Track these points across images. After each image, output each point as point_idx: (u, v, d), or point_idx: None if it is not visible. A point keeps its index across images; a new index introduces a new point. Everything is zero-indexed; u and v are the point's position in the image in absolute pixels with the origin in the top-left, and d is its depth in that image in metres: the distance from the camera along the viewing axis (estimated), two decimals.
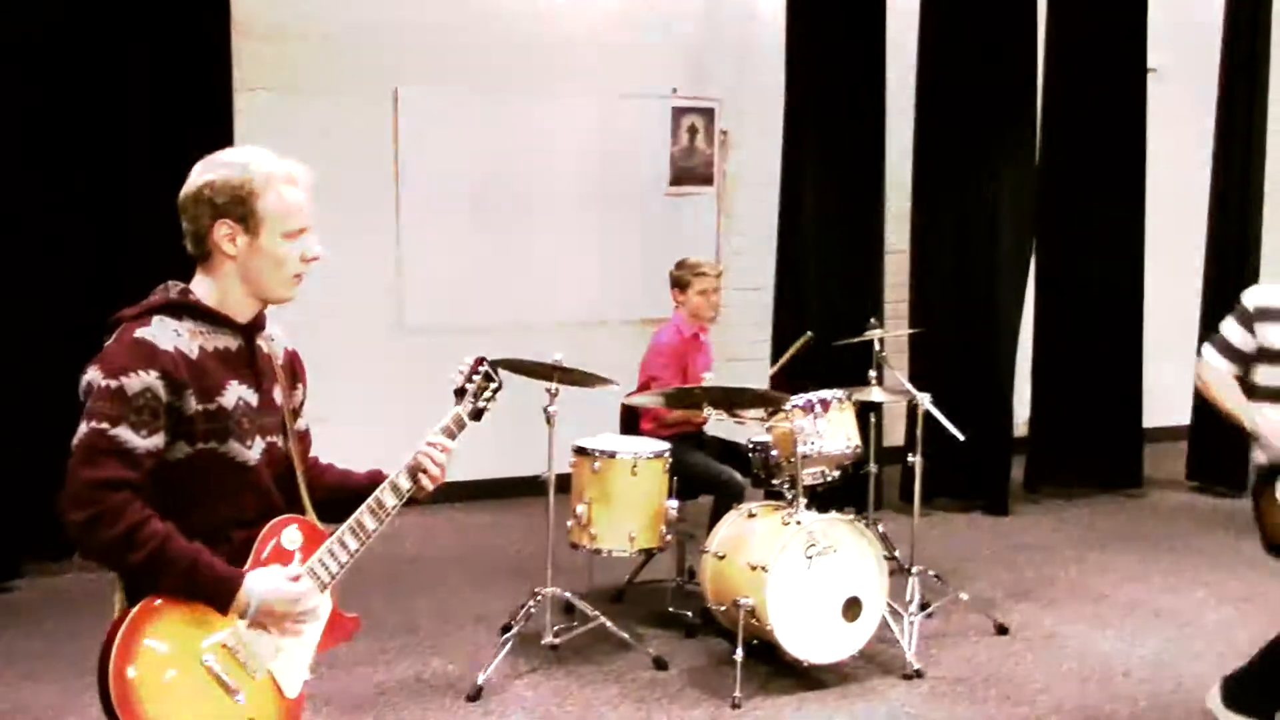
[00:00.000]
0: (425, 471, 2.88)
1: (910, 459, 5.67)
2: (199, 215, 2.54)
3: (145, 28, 6.13)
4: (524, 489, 6.79)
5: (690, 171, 8.16)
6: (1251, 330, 4.17)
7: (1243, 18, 8.12)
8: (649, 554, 5.46)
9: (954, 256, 7.63)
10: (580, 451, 5.26)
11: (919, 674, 4.96)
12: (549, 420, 5.05)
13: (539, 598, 5.10)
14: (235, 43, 6.57)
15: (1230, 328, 4.26)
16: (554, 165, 7.74)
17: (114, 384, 2.37)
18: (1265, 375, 4.18)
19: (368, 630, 5.41)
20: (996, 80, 7.55)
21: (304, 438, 2.87)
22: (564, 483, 5.23)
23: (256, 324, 2.67)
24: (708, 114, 8.14)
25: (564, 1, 7.69)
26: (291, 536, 2.60)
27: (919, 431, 5.65)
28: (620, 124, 7.91)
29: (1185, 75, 9.19)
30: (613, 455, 5.19)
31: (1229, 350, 4.25)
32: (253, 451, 2.56)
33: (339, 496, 2.78)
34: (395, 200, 7.41)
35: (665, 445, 5.35)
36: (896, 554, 5.84)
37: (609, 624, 5.10)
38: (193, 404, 2.43)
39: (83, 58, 6.06)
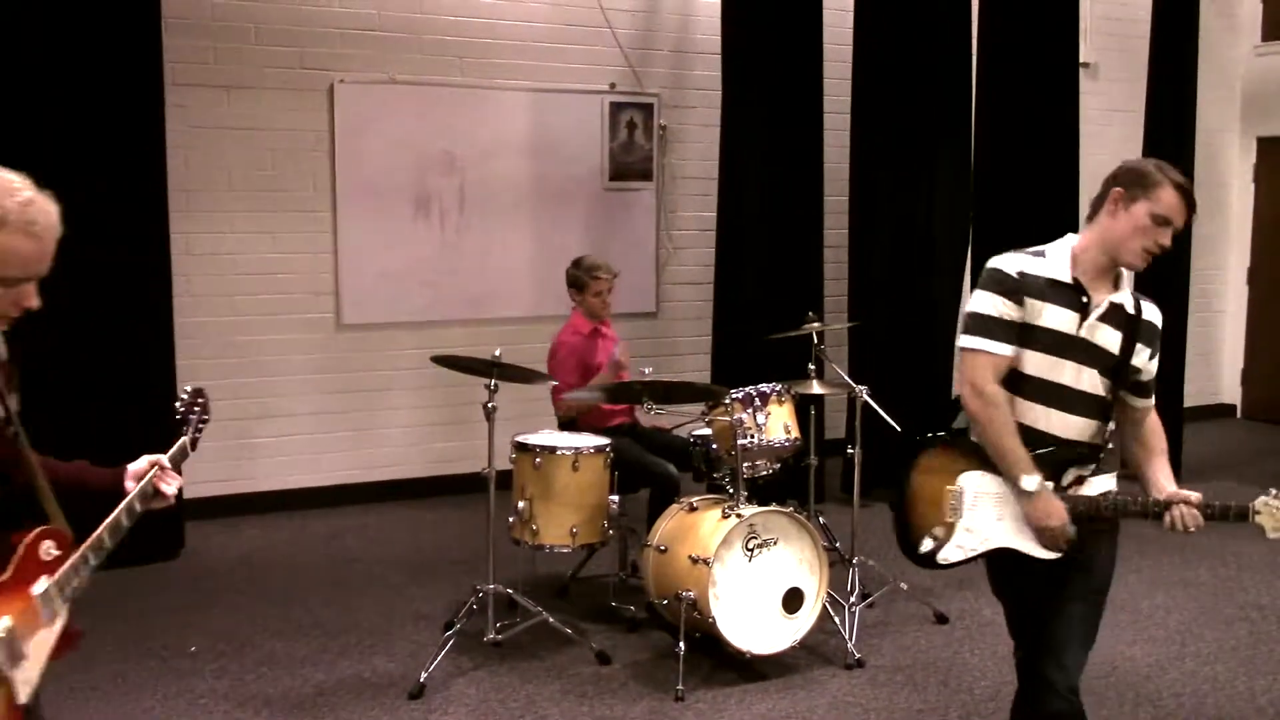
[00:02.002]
0: (161, 496, 2.82)
1: (850, 451, 5.72)
2: None
3: (73, 23, 6.02)
4: (465, 485, 6.77)
5: (629, 167, 8.16)
6: (1020, 302, 3.26)
7: (1170, 12, 8.24)
8: (591, 549, 5.46)
9: (891, 250, 7.69)
10: (521, 447, 5.25)
11: (860, 663, 5.00)
12: (488, 416, 5.02)
13: (481, 594, 5.09)
14: (165, 38, 6.47)
15: (991, 300, 3.28)
16: (492, 161, 7.71)
17: None
18: (1029, 361, 3.29)
19: (309, 630, 5.41)
20: (931, 76, 7.61)
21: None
22: (505, 479, 5.22)
23: None
24: (646, 109, 8.15)
25: None
26: (48, 548, 2.52)
27: (858, 424, 5.69)
28: (559, 119, 7.89)
29: (1116, 70, 9.34)
30: (553, 451, 5.18)
31: (1003, 328, 3.27)
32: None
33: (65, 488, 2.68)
34: (331, 197, 7.34)
35: (606, 440, 5.35)
36: (837, 545, 5.88)
37: (551, 620, 5.09)
38: None
39: (6, 52, 5.94)
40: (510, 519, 5.21)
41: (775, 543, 4.92)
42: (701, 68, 8.10)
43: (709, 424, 5.45)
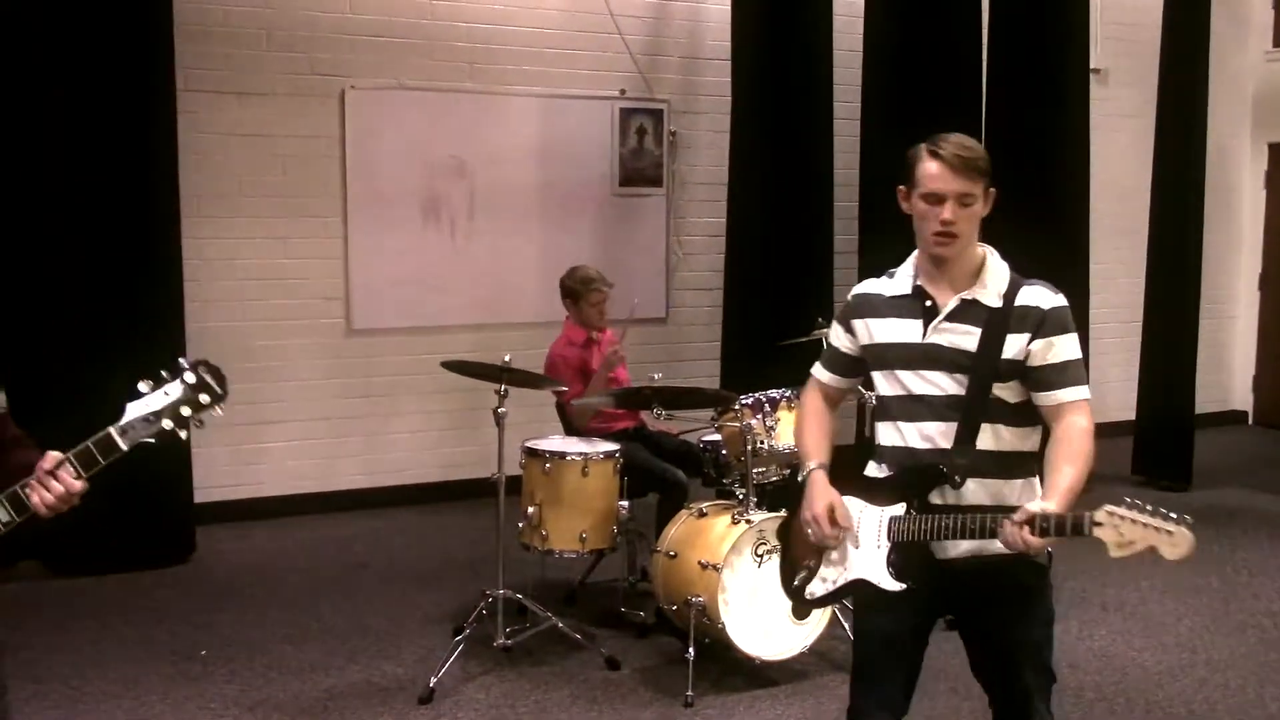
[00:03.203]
0: (31, 504, 2.46)
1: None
2: None
3: (85, 30, 6.05)
4: (474, 491, 6.78)
5: (639, 172, 8.17)
6: (849, 328, 3.24)
7: (1181, 18, 8.23)
8: (600, 554, 5.46)
9: (902, 255, 7.65)
10: (530, 453, 5.25)
11: None
12: (498, 422, 5.03)
13: (490, 599, 5.09)
14: (178, 44, 6.51)
15: (832, 328, 3.37)
16: (502, 166, 7.73)
17: None
18: (880, 382, 3.16)
19: (319, 634, 5.41)
20: (941, 82, 7.59)
21: None
22: (515, 484, 5.22)
23: None
24: (656, 115, 8.16)
25: (511, 3, 7.68)
26: None
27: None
28: (569, 125, 7.90)
29: (1127, 76, 9.33)
30: (563, 456, 5.19)
31: (833, 357, 3.32)
32: None
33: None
34: (342, 202, 7.36)
35: (615, 446, 5.36)
36: None
37: (561, 625, 5.10)
38: None
39: (21, 58, 5.97)
40: (520, 524, 5.22)
41: None
42: (711, 74, 8.11)
43: (719, 430, 5.45)
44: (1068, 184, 7.98)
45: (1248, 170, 10.37)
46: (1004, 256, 3.25)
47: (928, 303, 3.08)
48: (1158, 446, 8.20)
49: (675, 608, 5.02)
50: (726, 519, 4.97)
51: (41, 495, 2.42)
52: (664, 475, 5.61)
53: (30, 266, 6.08)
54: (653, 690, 4.83)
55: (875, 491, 3.14)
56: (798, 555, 3.31)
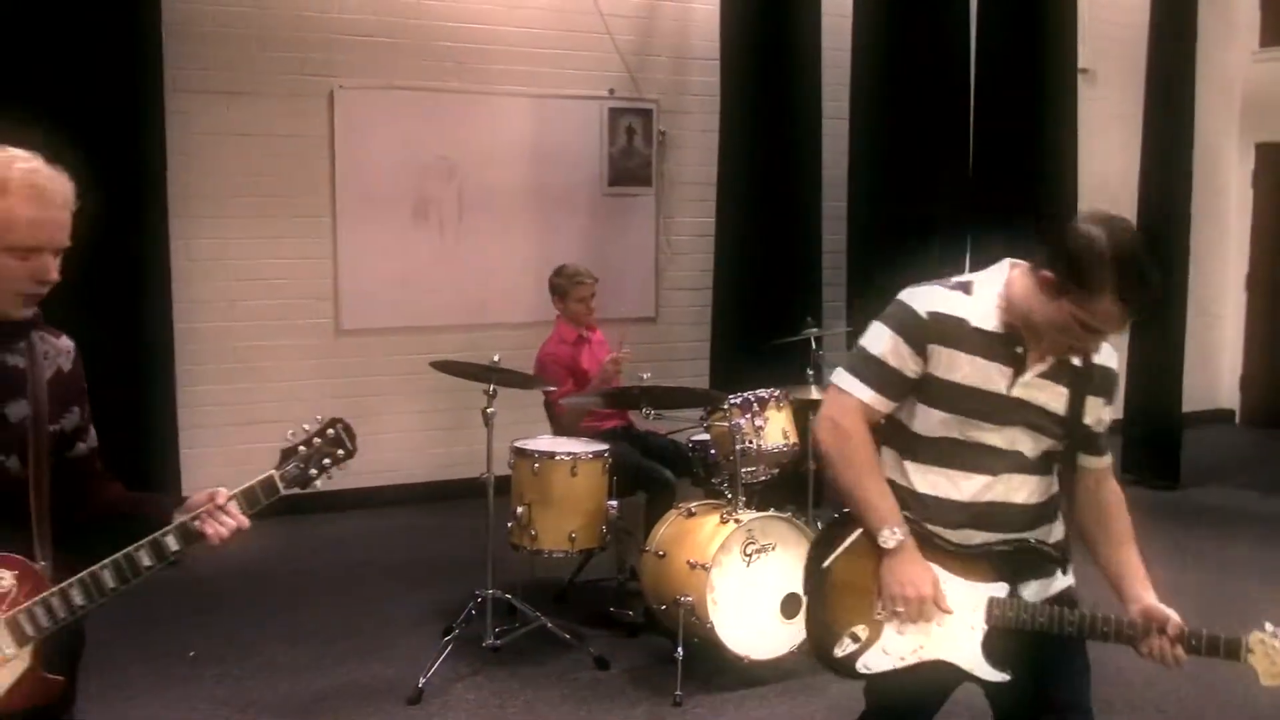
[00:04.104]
0: (204, 538, 2.50)
1: None
2: None
3: (74, 29, 6.04)
4: (464, 491, 6.77)
5: (628, 172, 8.17)
6: (922, 350, 2.72)
7: (1168, 18, 8.25)
8: (589, 554, 5.47)
9: (890, 254, 7.68)
10: (519, 453, 5.25)
11: None
12: (487, 422, 5.03)
13: (479, 600, 5.09)
14: (167, 44, 6.49)
15: (885, 340, 2.75)
16: (492, 166, 7.73)
17: None
18: (931, 421, 2.75)
19: (308, 635, 5.40)
20: (930, 81, 7.62)
21: (83, 462, 2.56)
22: (504, 484, 5.22)
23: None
24: (645, 115, 8.16)
25: (500, 2, 7.68)
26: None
27: None
28: (558, 125, 7.91)
29: (1115, 76, 9.36)
30: (552, 456, 5.19)
31: (889, 379, 2.75)
32: None
33: (117, 517, 2.56)
34: (331, 202, 7.35)
35: (604, 446, 5.36)
36: None
37: (550, 625, 5.10)
38: None
39: (6, 58, 5.95)
40: (509, 524, 5.22)
41: (773, 548, 4.93)
42: (700, 73, 8.12)
43: (707, 429, 5.46)
44: (1055, 183, 8.00)
45: (1235, 170, 10.41)
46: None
47: (1018, 349, 2.69)
48: (1146, 445, 8.22)
49: (664, 607, 5.03)
50: (715, 518, 4.98)
51: (216, 528, 2.51)
52: (652, 474, 5.61)
53: None
54: (642, 690, 4.83)
55: (963, 563, 2.76)
56: (839, 619, 2.81)
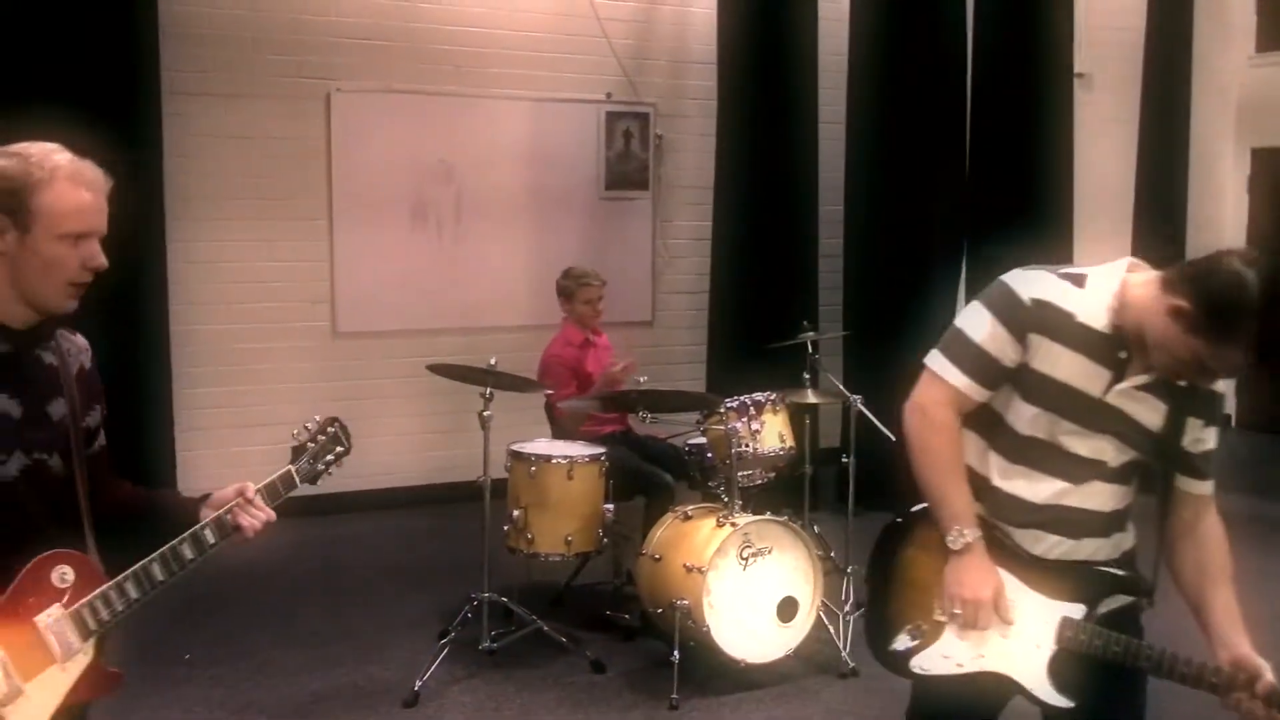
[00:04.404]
0: (239, 530, 2.56)
1: (844, 460, 5.74)
2: None
3: (71, 32, 6.04)
4: (460, 494, 6.77)
5: (625, 176, 8.18)
6: (1023, 339, 2.56)
7: (1164, 22, 8.27)
8: (586, 557, 5.47)
9: (886, 260, 7.71)
10: (516, 456, 5.26)
11: (854, 672, 5.00)
12: (484, 425, 5.03)
13: (476, 603, 5.09)
14: (164, 47, 6.50)
15: (984, 324, 2.60)
16: (488, 169, 7.73)
17: None
18: (1023, 417, 2.60)
19: (304, 638, 5.40)
20: (926, 86, 7.63)
21: (97, 459, 2.55)
22: (500, 488, 5.22)
23: (36, 333, 2.41)
24: (643, 119, 8.17)
25: (498, 6, 7.68)
26: (63, 574, 2.30)
27: (853, 433, 5.70)
28: (555, 128, 7.91)
29: (1111, 80, 9.37)
30: (548, 459, 5.19)
31: (984, 365, 2.60)
32: (8, 467, 2.29)
33: (132, 515, 2.59)
34: (328, 205, 7.36)
35: (601, 449, 5.36)
36: (832, 554, 5.88)
37: (546, 628, 5.10)
38: None
39: (6, 61, 5.96)
40: (505, 527, 5.22)
41: (770, 552, 4.93)
42: (697, 78, 8.12)
43: (704, 433, 5.46)
44: (1051, 188, 8.01)
45: (1231, 175, 10.42)
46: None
47: (1121, 354, 2.51)
48: None
49: (660, 611, 5.03)
50: (712, 522, 4.98)
51: (249, 520, 2.56)
52: (651, 479, 5.61)
53: None
54: (638, 693, 4.84)
55: (1042, 577, 2.61)
56: (900, 612, 2.72)
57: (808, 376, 5.81)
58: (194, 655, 5.18)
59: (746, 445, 5.24)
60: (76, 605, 2.31)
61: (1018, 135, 7.91)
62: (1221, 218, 10.39)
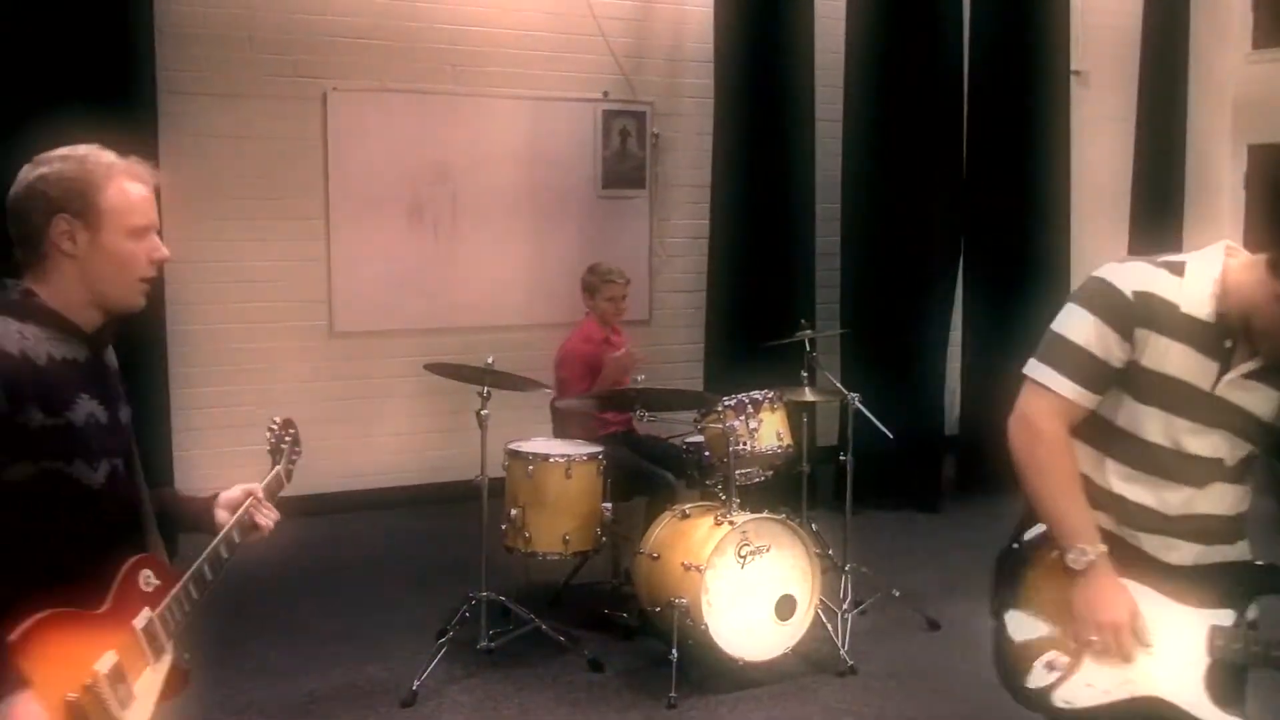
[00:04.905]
0: (258, 528, 2.62)
1: (842, 458, 5.74)
2: (32, 212, 2.28)
3: (67, 31, 6.02)
4: (458, 493, 6.76)
5: (622, 175, 8.17)
6: (1129, 335, 2.43)
7: (1161, 20, 8.27)
8: (584, 556, 5.46)
9: (883, 258, 7.70)
10: (514, 455, 5.25)
11: (853, 670, 5.00)
12: (481, 424, 5.03)
13: (474, 602, 5.09)
14: (159, 46, 6.49)
15: (1087, 325, 2.46)
16: (485, 168, 7.72)
17: None
18: (1138, 419, 2.48)
19: (302, 637, 5.40)
20: (923, 83, 7.62)
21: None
22: (498, 487, 5.22)
23: (102, 336, 2.40)
24: (639, 117, 8.16)
25: (494, 5, 7.68)
26: (147, 577, 2.33)
27: (850, 431, 5.70)
28: (552, 127, 7.90)
29: (1108, 78, 9.37)
30: (546, 458, 5.19)
31: (1090, 369, 2.47)
32: (98, 475, 2.29)
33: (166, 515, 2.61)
34: (325, 204, 7.35)
35: (599, 448, 5.36)
36: (830, 552, 5.88)
37: (544, 627, 5.10)
38: (37, 417, 2.17)
39: (1, 61, 5.94)
40: (503, 526, 5.21)
41: (768, 550, 4.93)
42: (694, 76, 8.11)
43: (702, 431, 5.46)
44: (1049, 185, 8.01)
45: (1228, 172, 10.41)
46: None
47: (1226, 343, 2.39)
48: None
49: (659, 609, 5.02)
50: (709, 520, 4.98)
51: (265, 520, 2.63)
52: (653, 478, 5.61)
53: (5, 271, 6.05)
54: (636, 692, 4.83)
55: (1178, 584, 2.46)
56: (1032, 645, 2.59)
57: (805, 374, 5.80)
58: (191, 655, 5.16)
59: (744, 443, 5.23)
60: (160, 607, 2.35)
61: (1015, 132, 7.91)
62: (1219, 215, 10.39)
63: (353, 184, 7.39)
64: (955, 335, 8.02)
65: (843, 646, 5.09)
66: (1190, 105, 8.41)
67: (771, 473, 5.53)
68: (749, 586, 4.87)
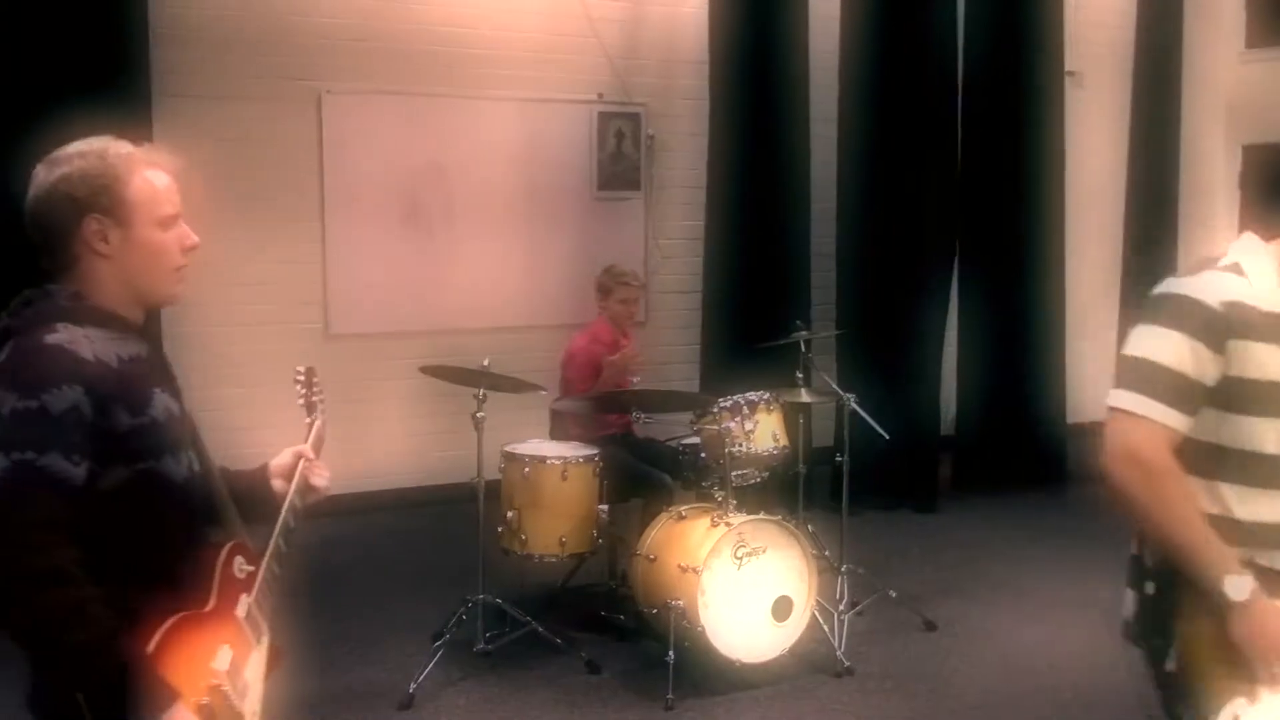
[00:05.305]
0: (315, 490, 2.66)
1: (838, 459, 5.73)
2: (58, 215, 2.19)
3: (62, 34, 6.02)
4: (454, 496, 6.76)
5: (618, 176, 8.17)
6: (1222, 349, 2.31)
7: (1154, 20, 8.28)
8: (580, 558, 5.46)
9: (879, 258, 7.71)
10: (510, 457, 5.25)
11: (849, 671, 5.00)
12: (477, 426, 5.03)
13: (470, 604, 5.09)
14: (154, 48, 6.48)
15: (1176, 345, 2.33)
16: (480, 170, 7.72)
17: (33, 404, 2.01)
18: (1244, 433, 2.35)
19: (298, 640, 5.37)
20: (918, 84, 7.63)
21: None
22: (495, 489, 5.22)
23: (149, 329, 2.40)
24: (634, 119, 8.16)
25: (489, 7, 7.68)
26: (240, 565, 2.31)
27: (846, 432, 5.70)
28: (547, 129, 7.90)
29: (1102, 78, 9.38)
30: (543, 460, 5.19)
31: (1182, 389, 2.32)
32: (182, 467, 2.27)
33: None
34: (320, 207, 7.34)
35: (595, 450, 5.36)
36: (826, 553, 5.89)
37: (541, 629, 5.09)
38: (124, 419, 2.12)
39: None
40: (499, 529, 5.21)
41: (764, 551, 4.93)
42: (689, 77, 8.12)
43: (698, 432, 5.46)
44: (1043, 185, 8.03)
45: (1221, 171, 10.43)
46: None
47: None
48: None
49: (655, 611, 5.02)
50: (706, 522, 4.97)
51: (321, 481, 2.71)
52: (650, 480, 5.61)
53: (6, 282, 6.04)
54: (633, 694, 4.83)
55: None
56: (1209, 693, 2.35)
57: (801, 375, 5.80)
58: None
59: (740, 445, 5.23)
60: (254, 592, 2.34)
61: (1009, 133, 7.93)
62: (1213, 214, 10.40)
63: (348, 186, 7.39)
64: (951, 335, 8.04)
65: (839, 647, 5.09)
66: (1184, 105, 8.43)
67: (768, 474, 5.53)
68: (745, 588, 4.87)
